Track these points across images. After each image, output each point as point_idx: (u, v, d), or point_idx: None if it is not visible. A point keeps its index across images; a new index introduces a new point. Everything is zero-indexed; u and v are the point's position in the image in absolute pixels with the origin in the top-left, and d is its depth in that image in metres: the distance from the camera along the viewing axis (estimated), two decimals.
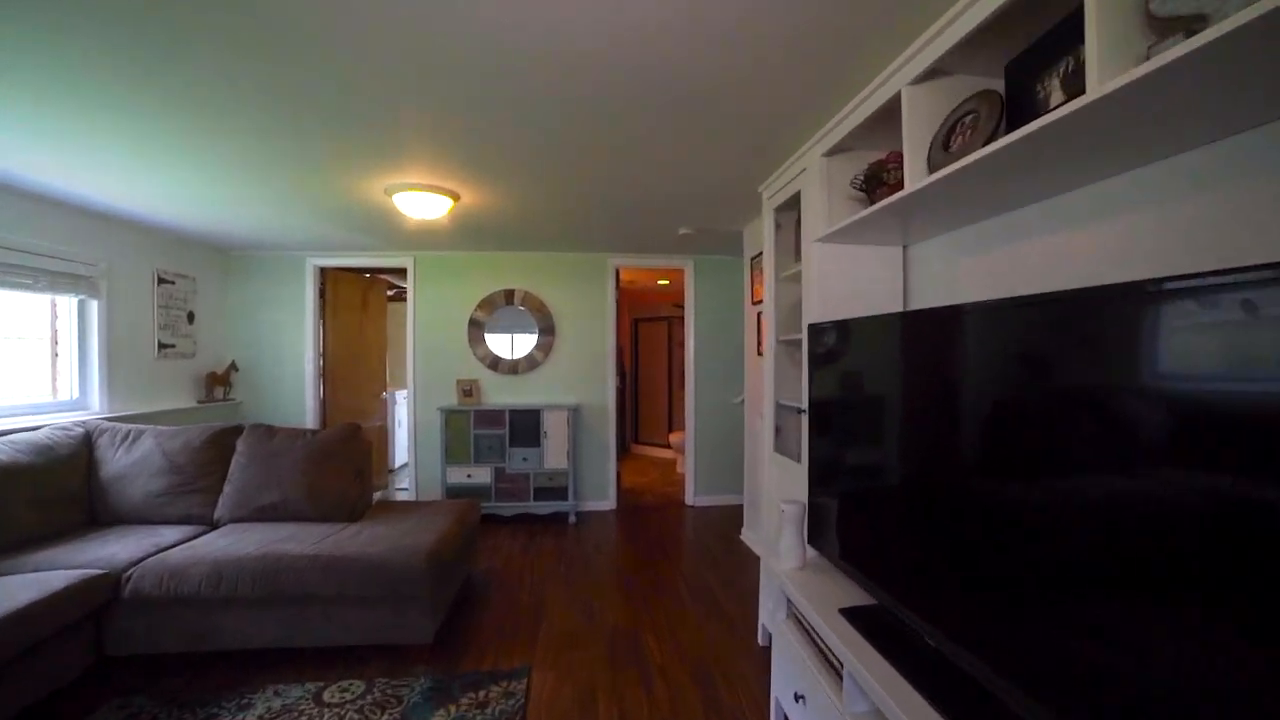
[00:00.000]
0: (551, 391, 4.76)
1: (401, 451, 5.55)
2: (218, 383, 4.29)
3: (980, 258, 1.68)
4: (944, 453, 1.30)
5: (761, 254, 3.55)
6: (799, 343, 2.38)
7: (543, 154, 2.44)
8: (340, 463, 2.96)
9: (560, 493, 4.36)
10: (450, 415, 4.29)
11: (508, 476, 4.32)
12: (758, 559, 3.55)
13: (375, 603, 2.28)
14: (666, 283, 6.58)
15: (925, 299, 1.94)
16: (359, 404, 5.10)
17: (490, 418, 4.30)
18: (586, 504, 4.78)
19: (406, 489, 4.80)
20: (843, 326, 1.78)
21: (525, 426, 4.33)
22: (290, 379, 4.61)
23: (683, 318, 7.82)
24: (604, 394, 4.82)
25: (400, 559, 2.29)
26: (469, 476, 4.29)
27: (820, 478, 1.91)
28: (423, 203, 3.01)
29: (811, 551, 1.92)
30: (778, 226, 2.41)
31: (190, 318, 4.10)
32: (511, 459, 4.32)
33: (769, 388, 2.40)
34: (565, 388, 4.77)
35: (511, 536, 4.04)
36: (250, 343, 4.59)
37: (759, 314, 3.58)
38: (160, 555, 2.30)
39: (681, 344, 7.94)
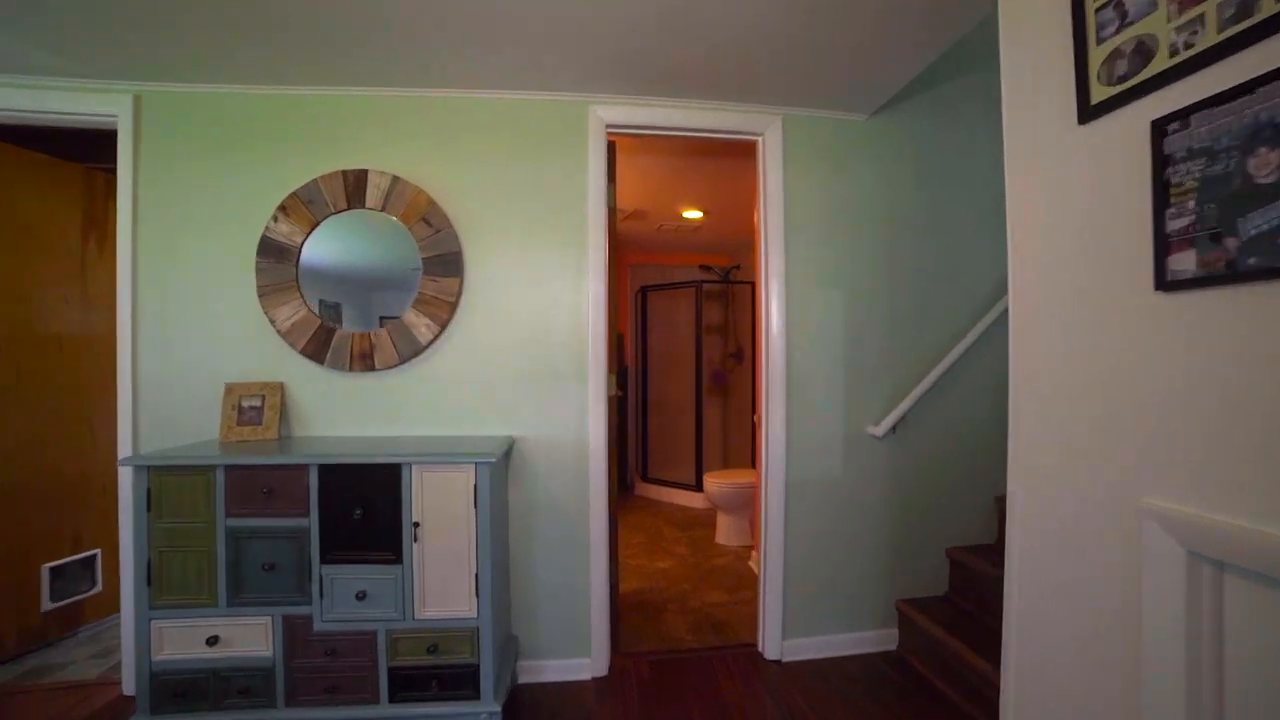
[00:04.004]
0: (452, 411, 2.08)
1: None
2: None
3: None
4: None
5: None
6: None
7: None
8: None
9: (460, 677, 1.66)
10: (164, 478, 1.60)
11: (316, 641, 1.64)
12: None
13: None
14: (699, 215, 3.88)
15: None
16: (72, 432, 2.43)
17: (271, 482, 1.61)
18: (541, 668, 2.11)
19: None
20: None
21: (366, 505, 1.64)
22: None
23: (720, 283, 4.80)
24: (577, 415, 2.13)
25: None
26: (212, 642, 1.60)
27: None
28: None
29: None
30: None
31: None
32: (332, 594, 1.63)
33: None
34: (485, 401, 2.09)
35: None
36: None
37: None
38: None
39: (717, 327, 5.05)
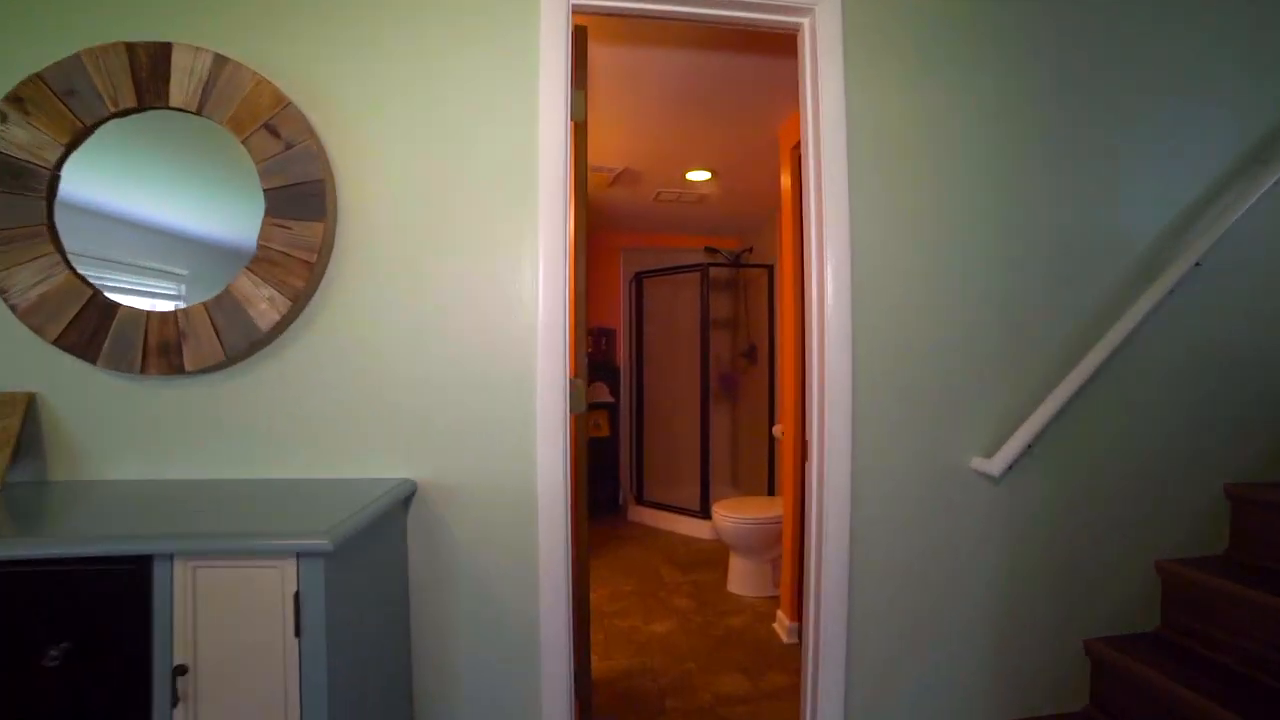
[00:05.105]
0: (316, 439, 1.28)
1: None
2: None
3: None
4: None
5: None
6: None
7: None
8: None
9: None
10: None
11: None
12: None
13: None
14: (706, 176, 3.09)
15: None
16: None
17: None
18: None
19: None
20: None
21: (80, 638, 0.86)
22: None
23: (729, 267, 3.93)
24: (519, 444, 1.34)
25: None
26: None
27: None
28: None
29: None
30: None
31: None
32: None
33: None
34: (369, 424, 1.29)
35: None
36: None
37: None
38: None
39: (726, 321, 4.21)
